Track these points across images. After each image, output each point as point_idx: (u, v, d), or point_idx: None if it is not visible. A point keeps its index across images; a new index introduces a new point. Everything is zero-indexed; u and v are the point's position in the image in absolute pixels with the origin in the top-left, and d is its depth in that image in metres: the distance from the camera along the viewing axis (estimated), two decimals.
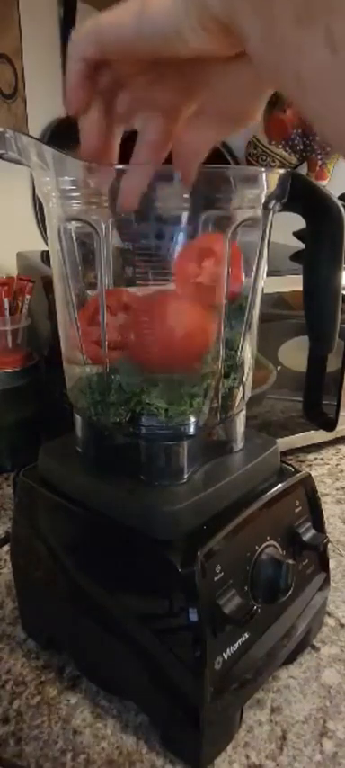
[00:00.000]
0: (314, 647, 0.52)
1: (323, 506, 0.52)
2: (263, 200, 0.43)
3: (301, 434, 0.84)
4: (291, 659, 0.50)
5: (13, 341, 0.79)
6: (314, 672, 0.50)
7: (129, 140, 0.37)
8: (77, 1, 1.12)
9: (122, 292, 0.44)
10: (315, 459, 0.86)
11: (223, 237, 0.42)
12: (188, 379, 0.43)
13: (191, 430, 0.44)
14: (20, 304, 0.79)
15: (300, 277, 0.46)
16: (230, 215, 0.42)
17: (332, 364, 0.78)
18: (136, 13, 0.28)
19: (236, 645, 0.43)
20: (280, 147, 1.17)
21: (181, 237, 0.43)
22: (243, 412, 0.49)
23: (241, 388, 0.47)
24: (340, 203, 0.43)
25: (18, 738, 0.44)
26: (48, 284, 0.79)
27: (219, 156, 1.25)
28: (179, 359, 0.43)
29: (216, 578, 0.41)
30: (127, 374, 0.43)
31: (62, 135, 1.11)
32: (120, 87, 0.34)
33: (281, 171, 0.44)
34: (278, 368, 0.78)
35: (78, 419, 0.48)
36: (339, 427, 0.72)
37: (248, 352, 0.47)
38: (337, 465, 0.84)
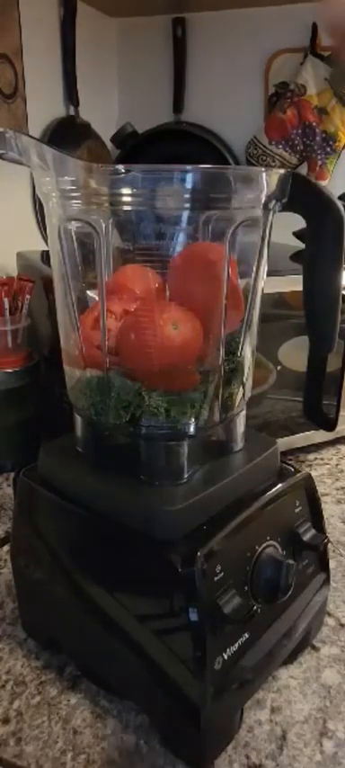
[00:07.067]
0: (314, 647, 0.52)
1: (323, 506, 0.52)
2: (263, 201, 0.43)
3: (301, 434, 0.84)
4: (291, 659, 0.50)
5: (13, 341, 0.79)
6: (314, 672, 0.50)
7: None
8: (77, 1, 1.12)
9: (124, 289, 0.44)
10: (315, 459, 0.86)
11: (223, 239, 0.42)
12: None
13: (191, 430, 0.44)
14: (20, 304, 0.79)
15: (300, 277, 0.46)
16: (230, 215, 0.42)
17: (332, 364, 0.78)
18: None
19: (236, 645, 0.43)
20: (280, 147, 1.17)
21: (181, 237, 0.43)
22: (243, 412, 0.49)
23: (241, 388, 0.47)
24: (340, 203, 0.43)
25: (18, 738, 0.44)
26: (48, 284, 0.79)
27: (219, 155, 1.25)
28: (177, 367, 0.43)
29: (216, 578, 0.41)
30: (124, 387, 0.43)
31: (62, 135, 1.12)
32: None
33: (281, 171, 0.44)
34: (278, 368, 0.78)
35: (78, 419, 0.48)
36: (339, 427, 0.72)
37: (248, 353, 0.47)
38: (337, 465, 0.84)
